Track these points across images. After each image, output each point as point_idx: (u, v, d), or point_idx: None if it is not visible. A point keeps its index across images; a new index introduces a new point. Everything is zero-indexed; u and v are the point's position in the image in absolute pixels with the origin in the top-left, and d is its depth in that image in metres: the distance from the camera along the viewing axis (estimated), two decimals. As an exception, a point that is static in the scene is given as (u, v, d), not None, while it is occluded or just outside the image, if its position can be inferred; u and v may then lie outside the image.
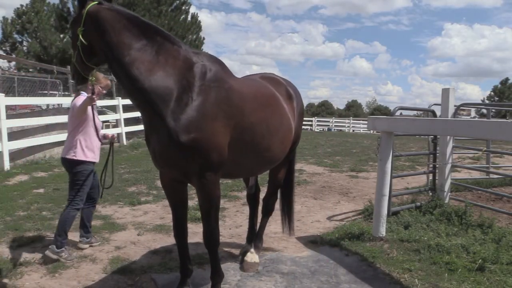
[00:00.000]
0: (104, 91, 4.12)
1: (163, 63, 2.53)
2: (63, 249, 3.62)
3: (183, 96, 2.51)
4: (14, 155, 8.44)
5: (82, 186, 3.79)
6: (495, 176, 7.32)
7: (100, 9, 2.50)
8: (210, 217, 2.78)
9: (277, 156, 3.21)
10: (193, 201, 5.82)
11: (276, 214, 5.32)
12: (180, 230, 3.00)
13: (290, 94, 3.55)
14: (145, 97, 2.49)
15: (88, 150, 3.83)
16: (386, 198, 4.27)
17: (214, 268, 2.95)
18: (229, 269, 3.50)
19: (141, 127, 12.15)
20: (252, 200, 3.96)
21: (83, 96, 3.75)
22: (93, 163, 3.92)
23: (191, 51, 2.70)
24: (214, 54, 2.97)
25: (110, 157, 3.85)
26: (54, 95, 15.80)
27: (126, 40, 2.47)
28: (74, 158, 3.75)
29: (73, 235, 4.33)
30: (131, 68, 2.45)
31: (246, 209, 5.49)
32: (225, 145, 2.66)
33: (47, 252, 3.57)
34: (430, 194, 5.52)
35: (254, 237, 3.77)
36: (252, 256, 3.55)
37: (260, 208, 3.94)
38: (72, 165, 3.77)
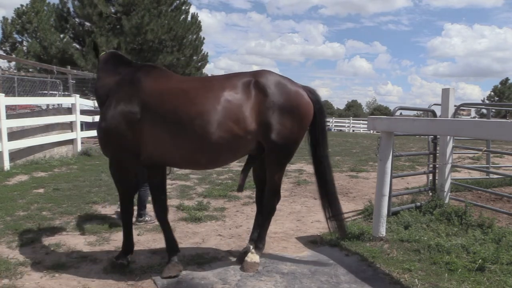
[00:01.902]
0: None
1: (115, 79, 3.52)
2: (145, 217, 4.79)
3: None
4: (14, 155, 8.45)
5: None
6: (495, 176, 7.32)
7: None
8: (121, 195, 3.50)
9: (219, 144, 3.23)
10: (192, 201, 5.83)
11: (278, 214, 5.33)
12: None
13: (248, 86, 3.33)
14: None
15: None
16: (386, 198, 4.27)
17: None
18: (229, 269, 3.50)
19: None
20: (260, 200, 3.86)
21: None
22: None
23: (136, 68, 3.55)
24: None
25: None
26: (54, 95, 15.80)
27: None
28: None
29: (74, 237, 4.33)
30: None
31: (246, 209, 5.51)
32: (121, 137, 3.28)
33: (136, 223, 4.62)
34: (430, 194, 5.52)
35: (255, 237, 3.75)
36: (252, 256, 3.54)
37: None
38: None
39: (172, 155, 3.31)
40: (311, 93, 3.57)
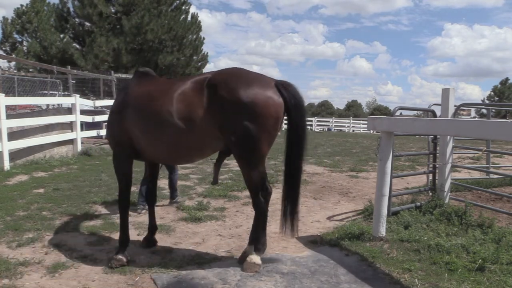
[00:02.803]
0: None
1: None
2: (177, 198, 5.67)
3: None
4: (14, 155, 8.45)
5: None
6: (495, 176, 7.32)
7: None
8: (119, 185, 3.82)
9: (178, 143, 3.41)
10: (192, 201, 5.83)
11: (278, 214, 5.32)
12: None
13: (202, 85, 3.32)
14: None
15: None
16: (386, 198, 4.27)
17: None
18: (229, 269, 3.50)
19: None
20: None
21: None
22: None
23: (134, 75, 3.98)
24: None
25: None
26: (54, 95, 15.80)
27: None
28: None
29: (74, 237, 4.33)
30: None
31: (246, 209, 5.50)
32: (116, 134, 3.73)
33: (172, 204, 5.57)
34: (430, 194, 5.52)
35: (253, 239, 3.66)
36: (252, 257, 3.51)
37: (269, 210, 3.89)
38: None
39: (147, 151, 3.64)
40: (285, 88, 3.30)
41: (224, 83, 3.24)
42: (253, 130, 3.17)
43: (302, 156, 3.50)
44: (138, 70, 4.00)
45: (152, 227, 4.08)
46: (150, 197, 4.14)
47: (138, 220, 4.94)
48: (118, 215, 3.80)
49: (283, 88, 3.31)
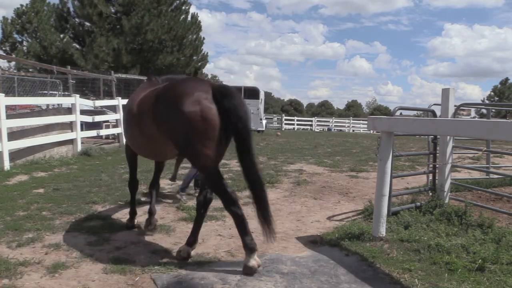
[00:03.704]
0: None
1: None
2: (183, 196, 5.95)
3: None
4: (14, 155, 8.44)
5: None
6: (495, 176, 7.32)
7: None
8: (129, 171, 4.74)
9: (144, 144, 4.03)
10: (192, 201, 5.82)
11: (278, 214, 5.33)
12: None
13: (153, 93, 3.75)
14: None
15: None
16: (386, 198, 4.27)
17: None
18: (229, 269, 3.50)
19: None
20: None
21: None
22: None
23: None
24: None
25: None
26: (54, 95, 15.80)
27: None
28: None
29: (74, 237, 4.33)
30: None
31: (246, 209, 5.49)
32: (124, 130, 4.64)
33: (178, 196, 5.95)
34: (430, 194, 5.52)
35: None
36: (247, 259, 3.41)
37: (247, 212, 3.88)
38: None
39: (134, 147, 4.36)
40: (220, 93, 3.36)
41: (164, 95, 3.54)
42: (188, 136, 3.35)
43: (252, 162, 3.42)
44: (148, 77, 4.72)
45: (150, 210, 4.67)
46: (151, 184, 4.84)
47: (138, 220, 4.90)
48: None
49: (219, 94, 3.37)
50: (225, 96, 3.36)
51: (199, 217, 3.82)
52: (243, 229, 3.44)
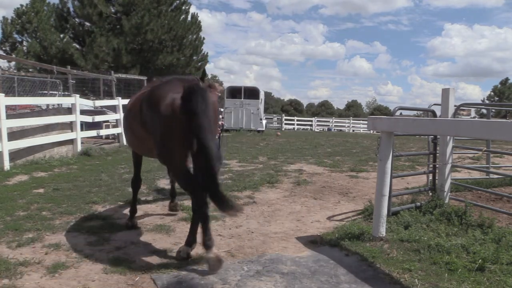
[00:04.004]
0: (220, 94, 6.24)
1: None
2: None
3: None
4: (14, 155, 8.44)
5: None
6: (495, 176, 7.32)
7: None
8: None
9: (139, 141, 4.21)
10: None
11: (278, 214, 5.33)
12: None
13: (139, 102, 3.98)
14: None
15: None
16: (386, 198, 4.27)
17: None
18: (229, 269, 3.50)
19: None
20: None
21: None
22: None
23: None
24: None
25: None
26: (54, 95, 15.78)
27: None
28: None
29: (74, 237, 4.33)
30: None
31: (246, 209, 5.51)
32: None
33: None
34: (430, 194, 5.52)
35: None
36: (207, 255, 3.48)
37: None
38: None
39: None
40: (187, 94, 3.44)
41: (145, 98, 3.79)
42: (161, 139, 3.58)
43: (205, 156, 3.38)
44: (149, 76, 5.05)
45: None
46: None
47: (138, 220, 4.91)
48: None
49: (186, 94, 3.45)
50: (189, 96, 3.46)
51: (195, 217, 3.80)
52: (206, 228, 3.52)
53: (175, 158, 3.57)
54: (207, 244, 3.49)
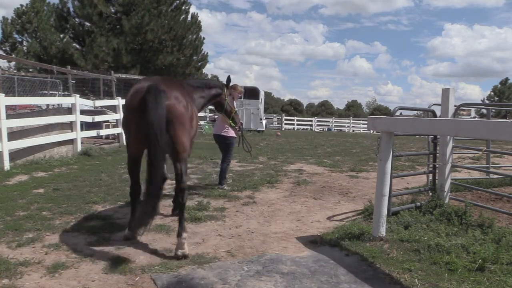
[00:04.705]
0: (240, 95, 6.88)
1: None
2: (224, 186, 6.72)
3: None
4: (14, 155, 8.44)
5: (231, 150, 6.79)
6: (495, 176, 7.32)
7: None
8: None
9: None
10: (192, 201, 5.83)
11: (278, 214, 5.33)
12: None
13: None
14: None
15: (233, 130, 6.58)
16: (386, 198, 4.27)
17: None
18: (229, 269, 3.50)
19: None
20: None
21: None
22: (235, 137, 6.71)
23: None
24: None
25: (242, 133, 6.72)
26: (54, 95, 15.79)
27: None
28: (227, 135, 6.61)
29: (74, 237, 4.33)
30: None
31: (246, 209, 5.51)
32: None
33: (219, 190, 6.53)
34: (430, 194, 5.52)
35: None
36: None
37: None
38: (226, 139, 6.64)
39: None
40: (147, 93, 3.67)
41: (133, 95, 3.99)
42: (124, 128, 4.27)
43: (157, 162, 3.59)
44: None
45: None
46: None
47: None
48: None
49: (145, 93, 3.71)
50: (144, 94, 3.71)
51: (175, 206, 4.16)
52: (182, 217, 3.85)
53: (130, 147, 4.16)
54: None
